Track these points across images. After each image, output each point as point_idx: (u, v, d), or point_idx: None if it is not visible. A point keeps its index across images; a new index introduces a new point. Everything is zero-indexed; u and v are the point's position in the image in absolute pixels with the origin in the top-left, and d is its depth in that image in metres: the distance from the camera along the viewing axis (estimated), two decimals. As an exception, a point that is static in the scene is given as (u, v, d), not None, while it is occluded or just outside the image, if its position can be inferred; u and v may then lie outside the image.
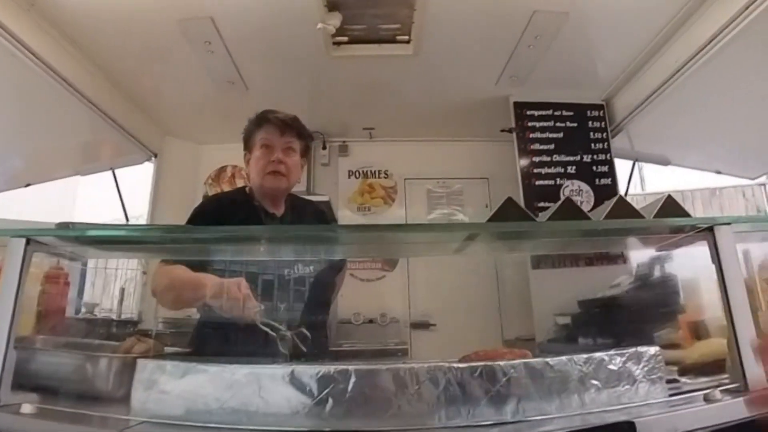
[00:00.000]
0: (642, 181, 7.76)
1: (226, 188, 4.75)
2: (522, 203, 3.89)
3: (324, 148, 4.81)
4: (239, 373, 0.93)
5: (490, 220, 1.20)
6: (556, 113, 4.10)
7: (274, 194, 1.97)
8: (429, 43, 3.42)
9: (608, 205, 1.25)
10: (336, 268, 2.10)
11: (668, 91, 3.49)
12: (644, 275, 3.10)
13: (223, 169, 4.85)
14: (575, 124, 4.10)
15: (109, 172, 4.74)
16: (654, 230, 1.27)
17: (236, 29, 3.27)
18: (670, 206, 1.31)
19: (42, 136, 4.06)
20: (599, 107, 4.14)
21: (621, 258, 3.67)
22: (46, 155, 4.52)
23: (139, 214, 5.11)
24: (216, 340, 1.73)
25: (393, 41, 3.48)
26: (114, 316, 4.02)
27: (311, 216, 2.12)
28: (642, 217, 1.23)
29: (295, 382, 0.90)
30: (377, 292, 4.48)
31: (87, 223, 1.25)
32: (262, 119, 1.96)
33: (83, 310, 3.75)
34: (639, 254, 3.14)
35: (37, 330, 1.53)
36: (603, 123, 4.12)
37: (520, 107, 4.10)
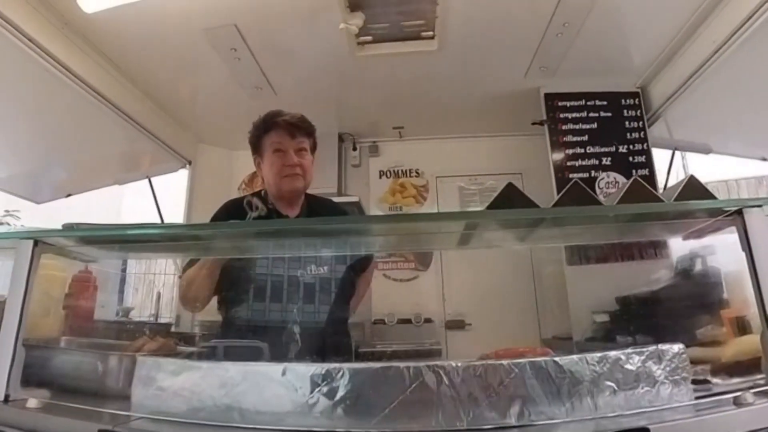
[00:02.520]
0: (686, 170, 7.49)
1: (259, 192, 4.80)
2: (555, 196, 3.79)
3: (354, 149, 4.82)
4: (233, 370, 0.92)
5: (488, 208, 1.15)
6: (589, 103, 3.97)
7: (291, 196, 1.99)
8: (454, 38, 3.37)
9: (622, 188, 1.18)
10: (357, 268, 2.10)
11: (707, 74, 3.31)
12: (684, 269, 2.99)
13: (256, 173, 4.89)
14: (609, 114, 3.96)
15: (154, 180, 4.87)
16: (673, 215, 1.20)
17: (260, 35, 3.29)
18: (694, 189, 1.23)
19: (81, 149, 4.21)
20: (634, 95, 3.99)
21: (659, 252, 3.54)
22: (86, 166, 4.68)
23: (178, 219, 5.22)
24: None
25: (418, 38, 3.44)
26: (152, 320, 4.12)
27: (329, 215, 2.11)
28: (660, 200, 1.16)
29: (287, 380, 0.88)
30: (411, 293, 4.45)
31: (91, 224, 1.28)
32: (271, 123, 1.97)
33: (120, 313, 3.85)
34: (678, 247, 3.03)
35: (62, 331, 1.58)
36: (639, 111, 3.97)
37: (551, 98, 3.99)
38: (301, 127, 1.98)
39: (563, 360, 0.94)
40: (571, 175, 3.84)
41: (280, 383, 0.89)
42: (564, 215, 1.16)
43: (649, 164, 3.91)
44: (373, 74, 3.81)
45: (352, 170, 4.82)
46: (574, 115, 3.96)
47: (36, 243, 1.18)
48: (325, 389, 0.87)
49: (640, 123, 3.95)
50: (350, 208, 2.45)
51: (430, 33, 3.38)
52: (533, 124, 4.05)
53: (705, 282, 2.67)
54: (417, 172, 4.85)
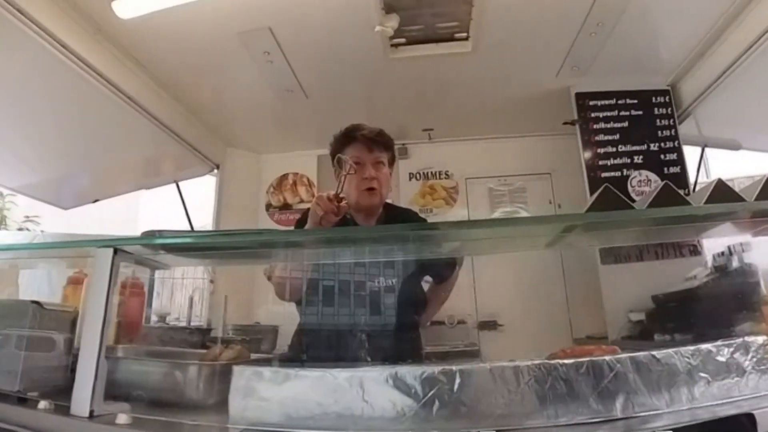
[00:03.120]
0: (707, 168, 7.38)
1: (288, 196, 4.84)
2: (588, 197, 3.80)
3: (384, 151, 4.81)
4: (341, 377, 0.92)
5: (588, 210, 1.16)
6: (619, 102, 3.96)
7: (369, 209, 2.02)
8: (488, 39, 3.37)
9: (708, 188, 1.19)
10: (438, 277, 2.12)
11: (739, 71, 3.30)
12: (721, 266, 2.98)
13: (284, 176, 4.93)
14: (640, 112, 3.95)
15: (171, 186, 4.92)
16: (758, 214, 1.20)
17: (294, 38, 3.31)
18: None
19: (109, 154, 4.25)
20: (665, 93, 3.98)
21: (693, 250, 3.54)
22: (113, 171, 4.73)
23: (204, 224, 5.27)
24: (314, 344, 1.85)
25: (451, 39, 3.45)
26: (184, 324, 4.14)
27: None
28: (743, 200, 1.16)
29: (398, 384, 0.89)
30: (444, 295, 4.43)
31: (172, 231, 1.28)
32: (350, 137, 2.02)
33: (155, 318, 3.87)
34: (713, 245, 3.03)
35: (118, 339, 1.59)
36: (669, 109, 3.95)
37: (583, 98, 3.98)
38: (379, 142, 2.02)
39: (660, 354, 0.96)
40: (603, 175, 3.85)
41: (393, 387, 0.89)
42: (667, 215, 1.16)
43: (680, 162, 3.90)
44: (404, 76, 3.81)
45: (381, 173, 4.81)
46: (605, 114, 3.96)
47: (115, 251, 1.15)
48: (438, 391, 0.88)
49: (671, 121, 3.94)
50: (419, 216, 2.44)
51: (464, 34, 3.39)
52: (564, 123, 4.05)
53: (743, 278, 2.68)
54: (446, 174, 4.84)
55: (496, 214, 4.66)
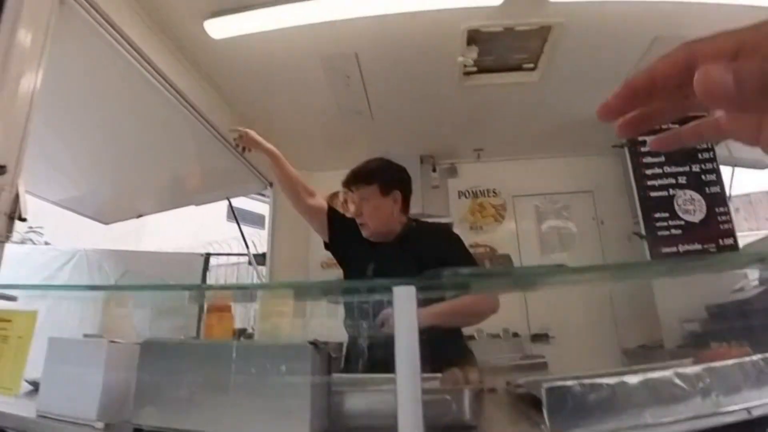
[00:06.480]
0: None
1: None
2: (639, 214, 4.09)
3: (434, 170, 5.00)
4: (633, 380, 1.10)
5: None
6: (663, 126, 4.20)
7: (369, 237, 2.12)
8: (554, 71, 3.58)
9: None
10: None
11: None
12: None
13: (335, 194, 5.03)
14: (680, 134, 4.20)
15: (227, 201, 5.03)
16: None
17: (377, 64, 3.46)
18: None
19: (163, 167, 4.28)
20: (700, 117, 4.22)
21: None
22: (162, 187, 4.73)
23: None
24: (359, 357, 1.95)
25: (519, 69, 3.65)
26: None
27: (427, 241, 2.09)
28: None
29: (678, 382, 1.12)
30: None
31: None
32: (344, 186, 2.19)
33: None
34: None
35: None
36: (705, 132, 4.21)
37: (630, 123, 4.21)
38: (353, 181, 2.15)
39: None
40: (651, 194, 4.11)
41: (672, 384, 1.10)
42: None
43: (719, 181, 4.17)
44: (469, 101, 4.00)
45: (431, 191, 4.97)
46: (650, 137, 4.18)
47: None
48: (701, 385, 1.10)
49: (709, 143, 4.17)
50: (442, 229, 2.50)
51: (531, 65, 3.60)
52: (614, 146, 4.32)
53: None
54: (494, 192, 5.05)
55: (544, 228, 4.92)
